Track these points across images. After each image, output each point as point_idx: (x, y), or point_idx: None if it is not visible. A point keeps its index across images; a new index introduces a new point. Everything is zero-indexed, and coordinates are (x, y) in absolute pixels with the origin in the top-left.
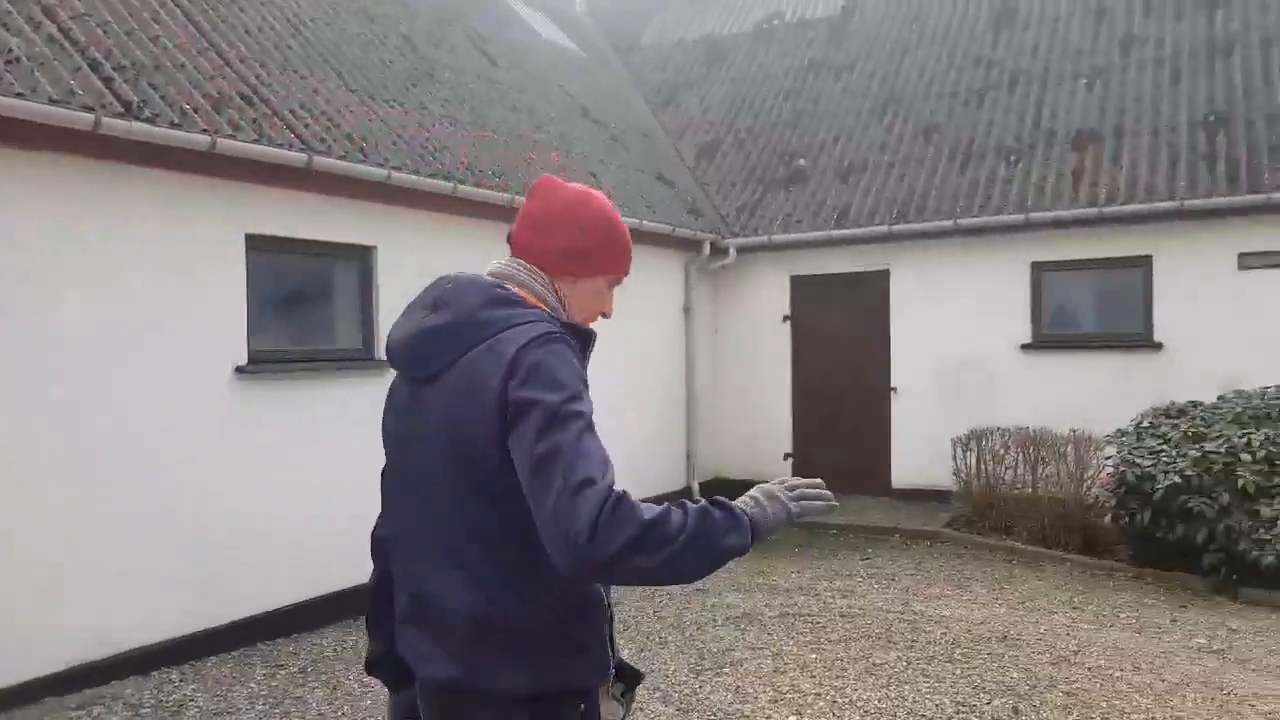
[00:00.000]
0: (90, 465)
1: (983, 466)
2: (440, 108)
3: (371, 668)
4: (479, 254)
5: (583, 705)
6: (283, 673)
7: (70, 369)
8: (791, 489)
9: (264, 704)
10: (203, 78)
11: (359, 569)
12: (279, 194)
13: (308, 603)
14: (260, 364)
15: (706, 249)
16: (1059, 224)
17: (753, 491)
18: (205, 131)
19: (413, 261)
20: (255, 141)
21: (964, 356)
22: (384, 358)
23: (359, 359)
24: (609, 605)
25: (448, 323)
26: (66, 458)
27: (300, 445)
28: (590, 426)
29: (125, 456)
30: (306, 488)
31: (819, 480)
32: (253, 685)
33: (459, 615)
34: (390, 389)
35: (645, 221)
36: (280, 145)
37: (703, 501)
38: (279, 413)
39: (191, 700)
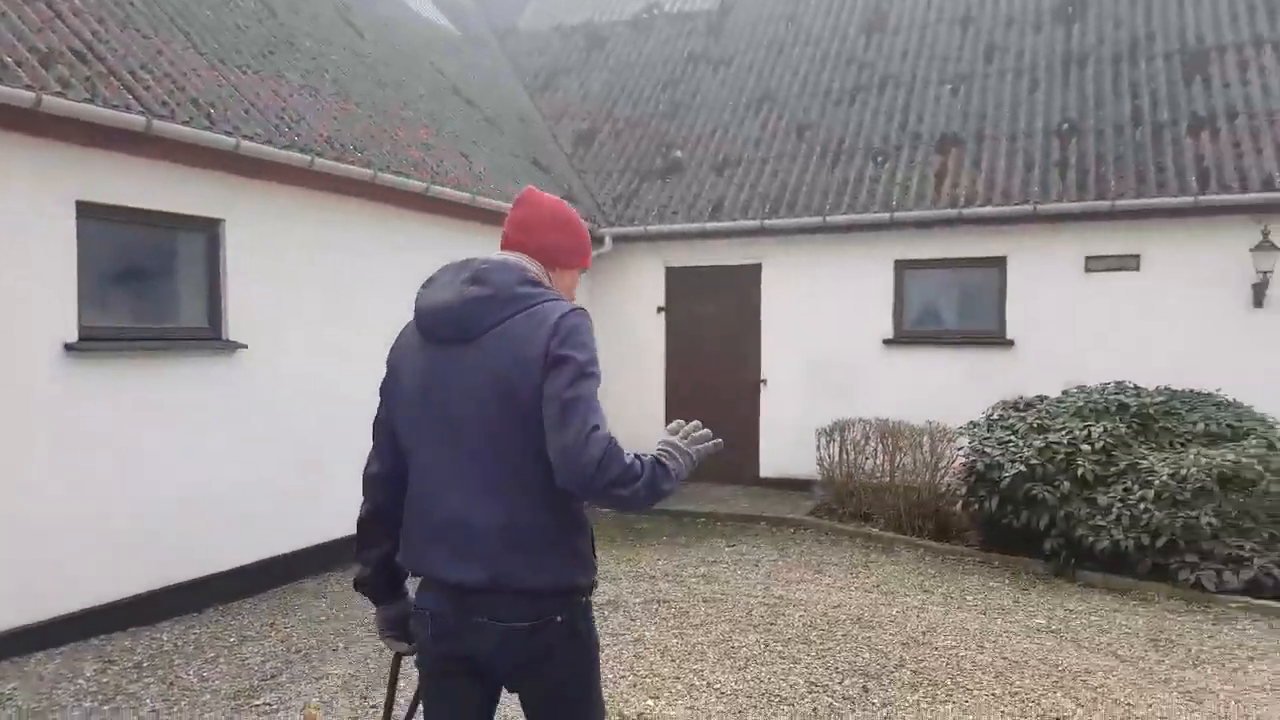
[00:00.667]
0: None
1: (844, 456)
2: (299, 77)
3: (360, 585)
4: (339, 230)
5: (585, 599)
6: (115, 668)
7: None
8: (685, 436)
9: (92, 700)
10: (29, 29)
11: (200, 559)
12: (115, 159)
13: (148, 594)
14: (92, 341)
15: None
16: (921, 224)
17: (660, 447)
18: (29, 88)
19: (266, 236)
20: (87, 101)
21: (830, 350)
22: (232, 337)
23: (205, 338)
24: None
25: (490, 295)
26: None
27: (137, 429)
28: (598, 385)
29: None
30: (143, 474)
31: (698, 422)
32: (81, 682)
33: (489, 530)
34: (398, 355)
35: (479, 198)
36: (116, 107)
37: (649, 457)
38: (113, 394)
39: (9, 699)
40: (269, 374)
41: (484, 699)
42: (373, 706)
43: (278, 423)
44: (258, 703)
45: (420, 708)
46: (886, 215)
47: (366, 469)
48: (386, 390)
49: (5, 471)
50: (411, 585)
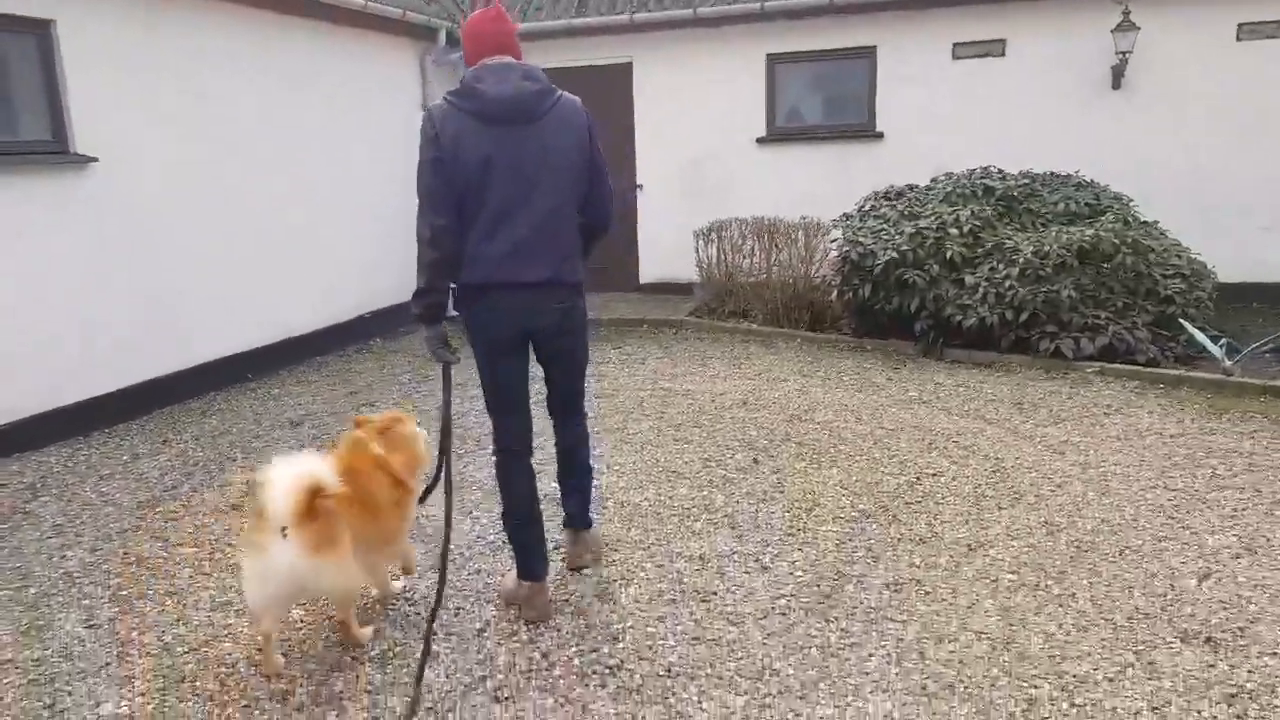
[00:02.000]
0: None
1: (722, 256)
2: None
3: (429, 309)
4: (179, 27)
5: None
6: (5, 490)
7: None
8: None
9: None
10: None
11: (77, 385)
12: None
13: (27, 420)
14: None
15: (443, 38)
16: (792, 13)
17: None
18: None
19: (107, 40)
20: None
21: (704, 152)
22: (81, 151)
23: (50, 151)
24: None
25: (540, 89)
26: None
27: None
28: None
29: None
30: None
31: None
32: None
33: (549, 245)
34: (455, 137)
35: (370, 3)
36: None
37: None
38: None
39: None
40: (128, 189)
41: (525, 363)
42: None
43: (140, 241)
44: (161, 510)
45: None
46: (757, 5)
47: (435, 223)
48: (446, 164)
49: None
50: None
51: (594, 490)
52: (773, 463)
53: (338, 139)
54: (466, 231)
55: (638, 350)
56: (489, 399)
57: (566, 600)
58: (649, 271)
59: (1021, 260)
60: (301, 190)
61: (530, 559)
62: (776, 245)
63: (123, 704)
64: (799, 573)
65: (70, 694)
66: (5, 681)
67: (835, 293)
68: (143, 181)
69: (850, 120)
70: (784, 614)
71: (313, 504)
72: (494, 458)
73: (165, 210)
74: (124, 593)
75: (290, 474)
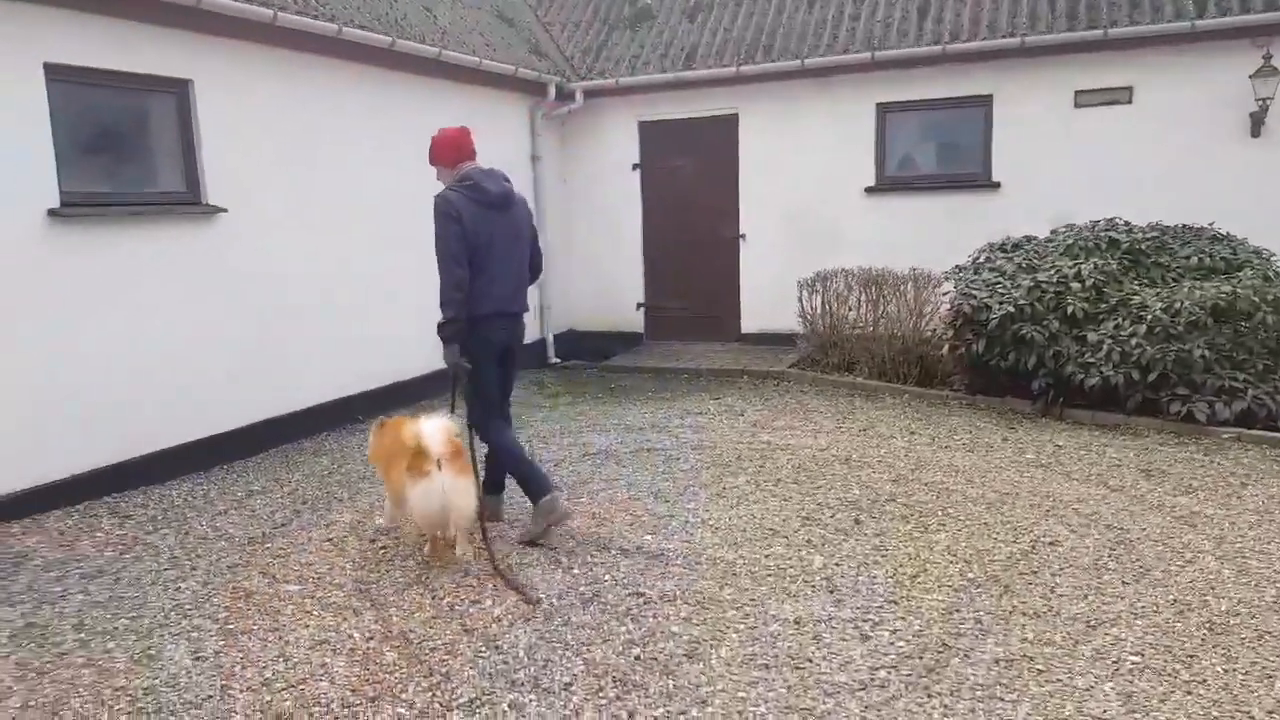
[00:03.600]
0: None
1: (827, 307)
2: None
3: (454, 335)
4: (309, 89)
5: None
6: (131, 522)
7: None
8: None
9: (114, 550)
10: None
11: (205, 419)
12: (81, 19)
13: (153, 455)
14: (74, 207)
15: (552, 92)
16: (904, 63)
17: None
18: None
19: (237, 98)
20: None
21: (810, 201)
22: (212, 202)
23: (183, 202)
24: None
25: (511, 186)
26: None
27: (122, 293)
28: None
29: None
30: (130, 337)
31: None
32: (99, 535)
33: (522, 290)
34: (470, 217)
35: (486, 61)
36: None
37: None
38: (97, 258)
39: (35, 551)
40: (251, 237)
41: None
42: (382, 548)
43: (263, 286)
44: (269, 547)
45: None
46: (868, 55)
47: (459, 274)
48: (467, 235)
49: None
50: None
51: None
52: (876, 524)
53: None
54: (474, 280)
55: (737, 402)
56: (485, 391)
57: (654, 658)
58: (750, 322)
59: (1150, 317)
60: (412, 239)
61: (541, 479)
62: (884, 297)
63: None
64: (901, 643)
65: None
66: (116, 708)
67: (946, 347)
68: (266, 230)
69: (964, 169)
70: (883, 686)
71: (456, 445)
72: (489, 432)
73: (285, 258)
74: (230, 626)
75: (438, 425)
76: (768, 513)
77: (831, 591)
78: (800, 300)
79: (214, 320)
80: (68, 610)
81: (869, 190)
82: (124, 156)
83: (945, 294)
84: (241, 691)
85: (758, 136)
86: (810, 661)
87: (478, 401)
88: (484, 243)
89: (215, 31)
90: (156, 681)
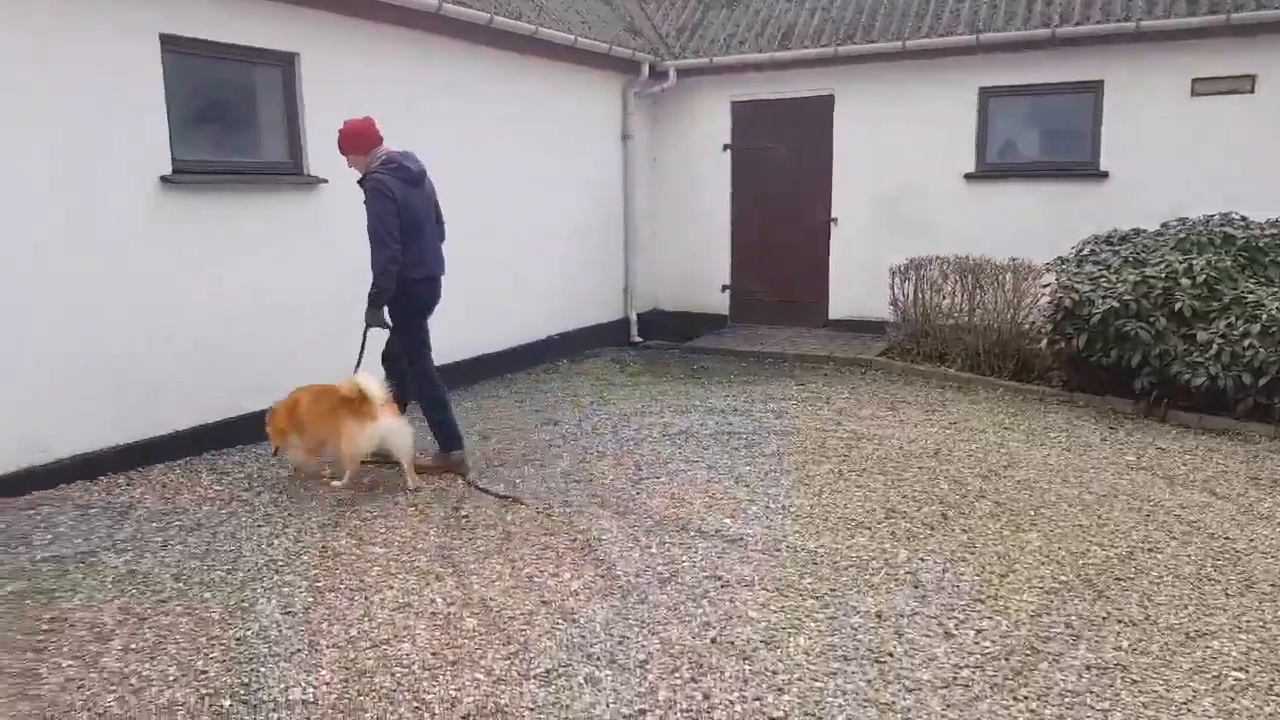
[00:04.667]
0: (13, 276)
1: (920, 296)
2: None
3: (383, 296)
4: (407, 64)
5: None
6: (229, 479)
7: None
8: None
9: (211, 505)
10: None
11: (295, 378)
12: None
13: (252, 415)
14: (185, 174)
15: (645, 71)
16: (1010, 46)
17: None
18: None
19: (340, 71)
20: None
21: (906, 186)
22: (313, 173)
23: (287, 172)
24: None
25: (423, 166)
26: None
27: (228, 258)
28: None
29: (51, 269)
30: (234, 301)
31: None
32: (199, 490)
33: (440, 252)
34: (400, 191)
35: (580, 39)
36: None
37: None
38: (205, 225)
39: (140, 502)
40: (349, 208)
41: None
42: (464, 516)
43: (362, 256)
44: (357, 509)
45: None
46: (972, 38)
47: (395, 249)
48: (400, 211)
49: (108, 300)
50: None
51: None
52: (964, 520)
53: (542, 169)
54: (408, 249)
55: (823, 389)
56: (420, 343)
57: (731, 642)
58: (839, 308)
59: (1265, 317)
60: (502, 217)
61: (457, 431)
62: (981, 286)
63: (309, 690)
64: (987, 643)
65: (264, 675)
66: (210, 656)
67: (1045, 341)
68: (358, 202)
69: (1070, 157)
70: (967, 686)
71: (390, 394)
72: (425, 381)
73: None
74: (319, 584)
75: (373, 378)
76: (851, 503)
77: (916, 587)
78: (892, 287)
79: (313, 287)
80: (168, 560)
81: (968, 177)
82: (232, 127)
83: (1046, 285)
84: (328, 647)
85: (854, 118)
86: (891, 656)
87: (420, 352)
88: (411, 217)
89: (321, 5)
90: (248, 633)
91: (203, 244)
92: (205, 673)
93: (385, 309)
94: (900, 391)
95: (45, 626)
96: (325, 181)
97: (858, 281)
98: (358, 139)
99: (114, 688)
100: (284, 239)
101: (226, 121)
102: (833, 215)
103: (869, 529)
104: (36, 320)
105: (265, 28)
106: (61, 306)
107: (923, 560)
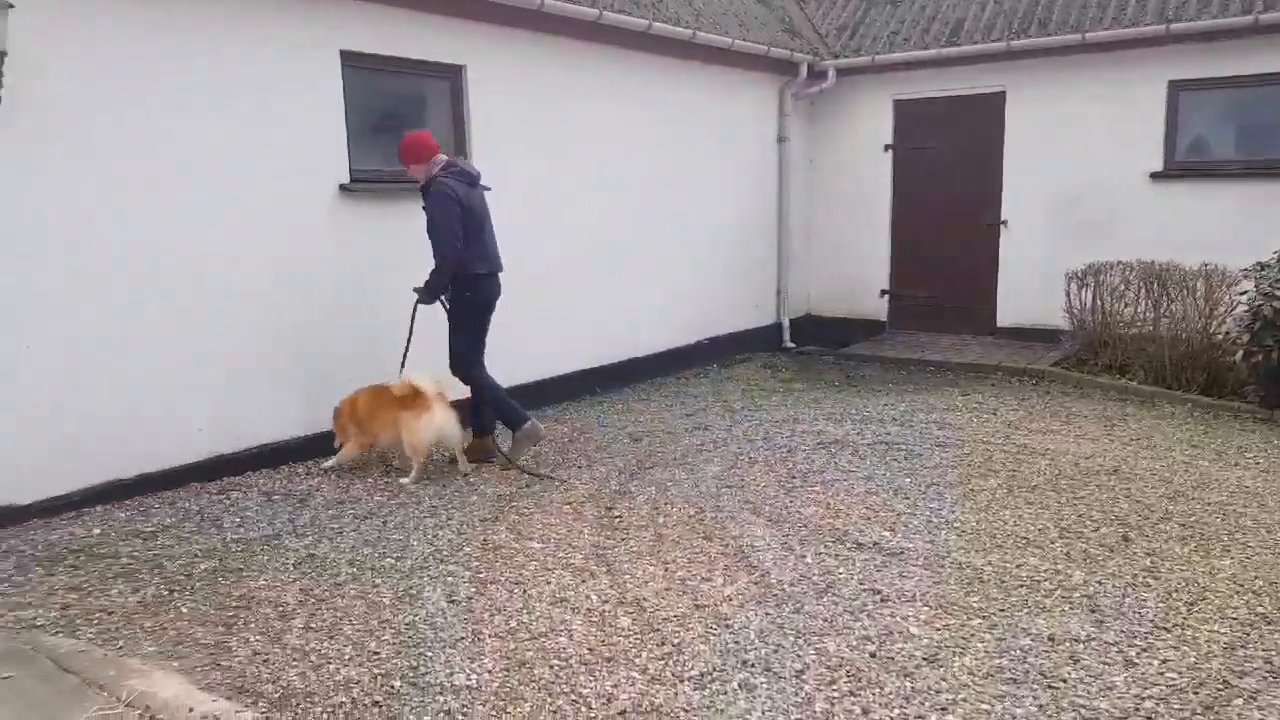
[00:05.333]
0: (211, 275)
1: (1099, 303)
2: None
3: (441, 290)
4: (566, 72)
5: None
6: (396, 472)
7: (199, 182)
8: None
9: (381, 496)
10: None
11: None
12: (370, 10)
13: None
14: (360, 183)
15: (803, 71)
16: (1205, 35)
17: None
18: None
19: (503, 81)
20: None
21: (1084, 187)
22: (479, 182)
23: None
24: None
25: (479, 171)
26: (189, 267)
27: (397, 260)
28: None
29: (242, 269)
30: (403, 299)
31: None
32: (370, 480)
33: (499, 254)
34: (463, 193)
35: (737, 41)
36: None
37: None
38: (377, 230)
39: (317, 490)
40: (511, 215)
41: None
42: (617, 516)
43: (522, 261)
44: (516, 505)
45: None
46: (1162, 27)
47: (459, 249)
48: (464, 212)
49: (298, 297)
50: None
51: None
52: (1147, 543)
53: (694, 171)
54: (471, 245)
55: (989, 399)
56: (477, 336)
57: (891, 658)
58: (1008, 315)
59: None
60: (653, 220)
61: (518, 409)
62: (1168, 294)
63: (472, 677)
64: (1172, 674)
65: (431, 659)
66: (382, 639)
67: (1240, 354)
68: (523, 209)
69: (1271, 155)
70: (1149, 718)
71: (440, 387)
72: (474, 369)
73: (539, 236)
74: (480, 575)
75: (429, 375)
76: (1021, 520)
77: (1092, 611)
78: (1068, 294)
79: None
80: (343, 546)
81: (1154, 176)
82: (401, 136)
83: (1242, 294)
84: (490, 637)
85: (1026, 115)
86: (1065, 682)
87: (471, 346)
88: (474, 216)
89: (486, 19)
90: (416, 619)
91: (374, 247)
92: (378, 654)
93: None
94: (1075, 404)
95: (234, 603)
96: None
97: (1029, 287)
98: (419, 149)
99: (296, 663)
100: None
101: (399, 132)
102: (1002, 217)
103: (1040, 548)
104: (234, 318)
105: (435, 42)
106: (255, 306)
107: (1100, 583)
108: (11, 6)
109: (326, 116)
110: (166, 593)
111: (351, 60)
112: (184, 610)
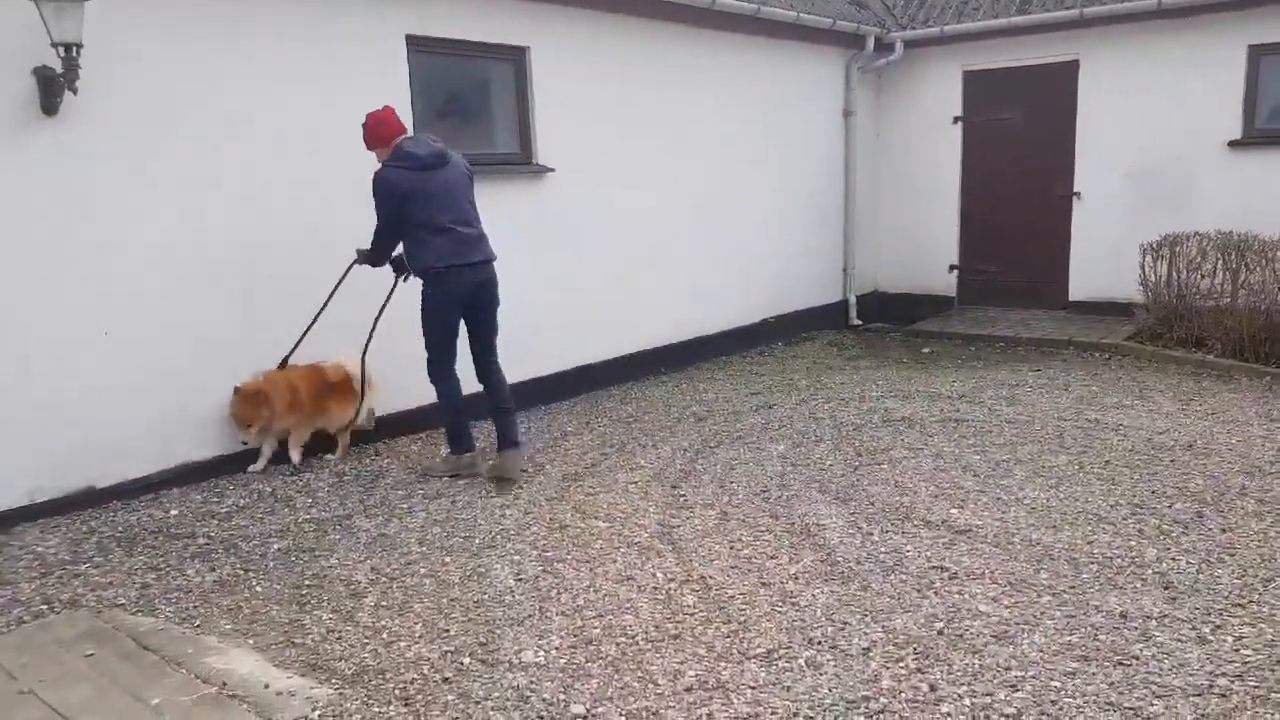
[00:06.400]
0: (289, 254)
1: (1174, 275)
2: None
3: (398, 267)
4: (624, 47)
5: None
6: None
7: (273, 172)
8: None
9: (449, 478)
10: None
11: (526, 363)
12: None
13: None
14: None
15: (870, 44)
16: None
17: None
18: None
19: (567, 63)
20: None
21: (1159, 156)
22: (542, 163)
23: (518, 163)
24: None
25: (444, 147)
26: (259, 252)
27: None
28: None
29: (309, 256)
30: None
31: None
32: (438, 461)
33: (480, 236)
34: (406, 180)
35: (802, 14)
36: None
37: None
38: None
39: (387, 471)
40: (574, 196)
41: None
42: (681, 495)
43: (585, 242)
44: (581, 485)
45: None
46: None
47: (388, 246)
48: (408, 202)
49: (360, 282)
50: None
51: None
52: (1222, 519)
53: (759, 149)
54: (430, 238)
55: (1060, 375)
56: (443, 339)
57: (959, 635)
58: (1080, 288)
59: None
60: (717, 199)
61: (467, 438)
62: (1247, 265)
63: (540, 654)
64: (1248, 651)
65: (500, 636)
66: (451, 616)
67: None
68: (586, 189)
69: None
70: (1224, 695)
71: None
72: (439, 378)
73: (602, 216)
74: (547, 554)
75: (352, 361)
76: (1092, 496)
77: (1166, 588)
78: (1142, 266)
79: (538, 272)
80: (412, 525)
81: (1233, 145)
82: (467, 120)
83: None
84: (557, 614)
85: (1100, 85)
86: (1137, 659)
87: (435, 349)
88: (425, 203)
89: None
90: (485, 597)
91: None
92: (447, 631)
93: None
94: (1149, 379)
95: (308, 582)
96: (552, 170)
97: (1102, 260)
98: (379, 129)
99: (368, 640)
100: (512, 227)
101: (463, 114)
102: (1075, 189)
103: (1112, 524)
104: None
105: (500, 23)
106: (325, 289)
107: (1174, 560)
108: None
109: (393, 101)
110: (241, 572)
111: (416, 44)
112: (258, 589)
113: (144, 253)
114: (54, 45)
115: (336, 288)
